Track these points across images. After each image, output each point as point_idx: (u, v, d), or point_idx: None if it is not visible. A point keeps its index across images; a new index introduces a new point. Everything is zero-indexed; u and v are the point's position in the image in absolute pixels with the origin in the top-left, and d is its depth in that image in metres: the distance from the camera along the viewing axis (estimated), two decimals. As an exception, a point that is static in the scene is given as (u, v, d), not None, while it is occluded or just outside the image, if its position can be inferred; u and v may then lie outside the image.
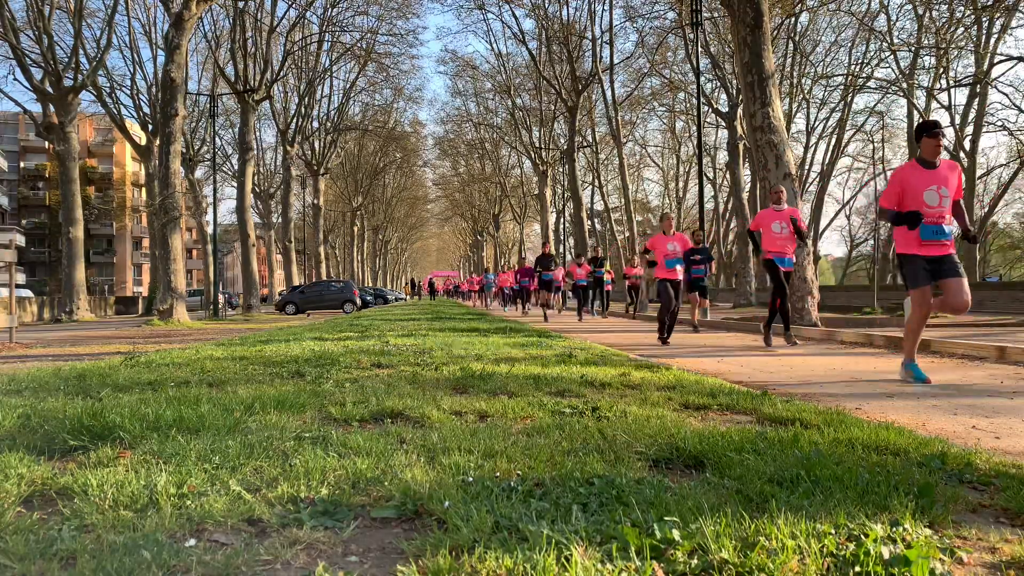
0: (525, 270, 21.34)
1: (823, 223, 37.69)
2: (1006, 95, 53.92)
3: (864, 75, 33.70)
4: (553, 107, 37.80)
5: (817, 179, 41.33)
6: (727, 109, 29.13)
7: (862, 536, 1.70)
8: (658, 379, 4.67)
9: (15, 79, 67.92)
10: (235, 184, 36.31)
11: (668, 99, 40.75)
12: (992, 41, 30.09)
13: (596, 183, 42.59)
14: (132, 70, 36.25)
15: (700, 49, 22.72)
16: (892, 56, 32.58)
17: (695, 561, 1.57)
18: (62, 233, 28.57)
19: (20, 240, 46.72)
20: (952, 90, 32.41)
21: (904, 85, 32.79)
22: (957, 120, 32.50)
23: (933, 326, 10.94)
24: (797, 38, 32.37)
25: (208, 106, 32.63)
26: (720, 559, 1.56)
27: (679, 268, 9.71)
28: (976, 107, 31.66)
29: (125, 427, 2.90)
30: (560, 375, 4.80)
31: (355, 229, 56.76)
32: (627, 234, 32.66)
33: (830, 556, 1.61)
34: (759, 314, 15.63)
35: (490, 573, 1.51)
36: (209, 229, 38.09)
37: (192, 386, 4.39)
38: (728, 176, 35.95)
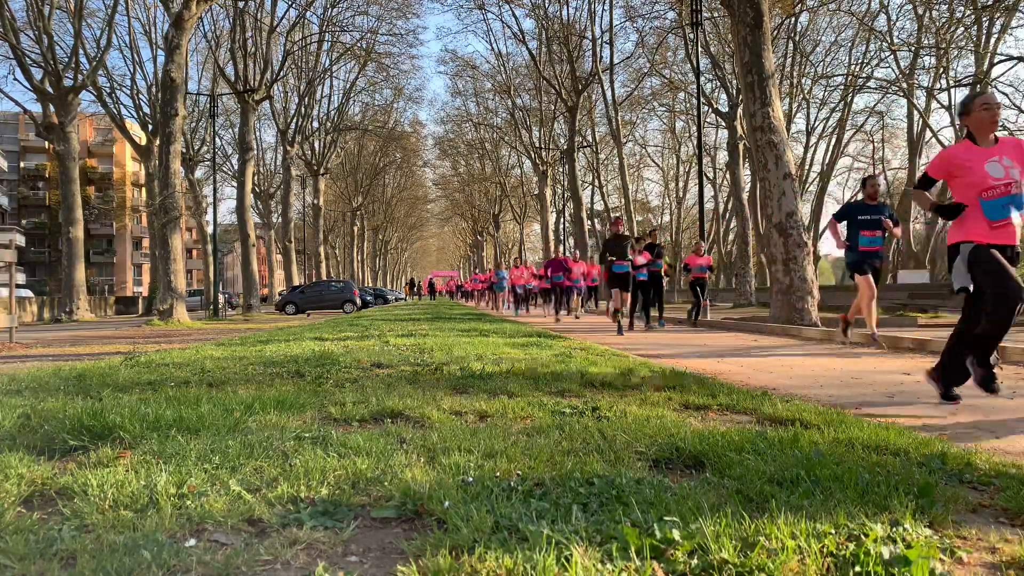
0: (556, 262, 17.62)
1: (823, 223, 37.63)
2: (1006, 95, 53.56)
3: (864, 75, 33.69)
4: (553, 107, 37.80)
5: (817, 179, 41.34)
6: (727, 109, 29.11)
7: (862, 536, 1.70)
8: (658, 379, 4.66)
9: (15, 79, 68.27)
10: (235, 184, 36.32)
11: (668, 99, 40.75)
12: (992, 41, 30.05)
13: (596, 183, 42.64)
14: (132, 70, 36.33)
15: (700, 49, 22.71)
16: (892, 56, 32.57)
17: (695, 561, 1.57)
18: (62, 233, 28.57)
19: (20, 240, 46.69)
20: (952, 90, 32.37)
21: (904, 85, 32.78)
22: (957, 120, 32.44)
23: (933, 326, 10.93)
24: (797, 38, 32.35)
25: (208, 106, 32.65)
26: (720, 559, 1.56)
27: (1018, 216, 4.10)
28: (976, 107, 31.57)
29: (125, 427, 2.90)
30: (560, 375, 4.80)
31: (355, 229, 56.77)
32: (627, 234, 32.51)
33: (830, 556, 1.61)
34: (759, 314, 15.56)
35: (490, 573, 1.50)
36: (209, 229, 38.12)
37: (192, 386, 4.39)
38: (728, 176, 35.92)
